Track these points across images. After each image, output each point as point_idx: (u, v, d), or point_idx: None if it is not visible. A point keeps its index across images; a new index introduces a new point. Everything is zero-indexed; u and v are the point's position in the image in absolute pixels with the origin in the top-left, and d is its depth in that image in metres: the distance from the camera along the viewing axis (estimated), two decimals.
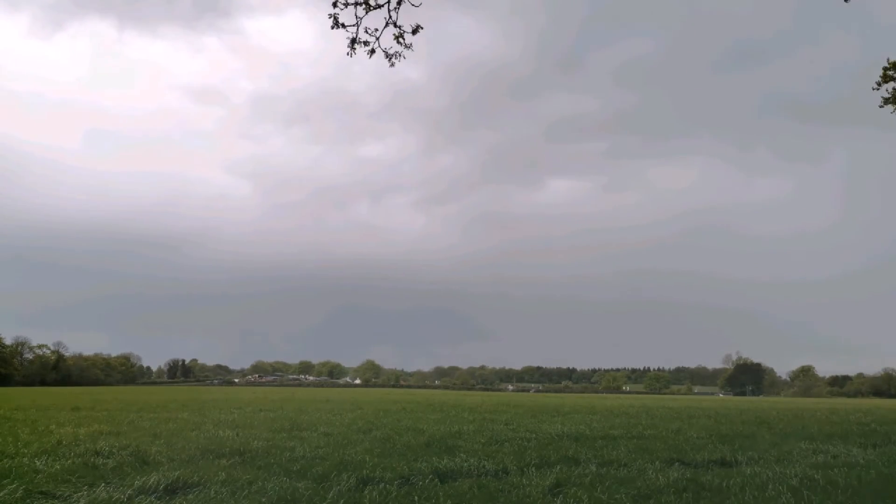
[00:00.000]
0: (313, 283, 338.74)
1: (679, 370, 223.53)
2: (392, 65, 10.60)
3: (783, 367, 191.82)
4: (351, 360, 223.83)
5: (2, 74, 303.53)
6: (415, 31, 10.43)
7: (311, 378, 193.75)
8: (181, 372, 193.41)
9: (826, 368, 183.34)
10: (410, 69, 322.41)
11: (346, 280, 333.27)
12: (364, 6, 10.30)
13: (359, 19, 10.34)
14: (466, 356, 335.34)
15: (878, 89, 19.21)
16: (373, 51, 10.52)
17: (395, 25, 10.43)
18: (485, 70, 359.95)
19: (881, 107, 19.29)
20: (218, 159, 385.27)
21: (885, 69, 18.92)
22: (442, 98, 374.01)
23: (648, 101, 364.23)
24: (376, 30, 10.47)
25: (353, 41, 10.45)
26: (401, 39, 10.49)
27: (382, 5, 10.36)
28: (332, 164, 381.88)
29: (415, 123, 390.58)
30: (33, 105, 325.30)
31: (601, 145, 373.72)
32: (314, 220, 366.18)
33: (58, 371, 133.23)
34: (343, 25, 10.32)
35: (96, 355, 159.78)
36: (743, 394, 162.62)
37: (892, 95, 18.79)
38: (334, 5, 10.13)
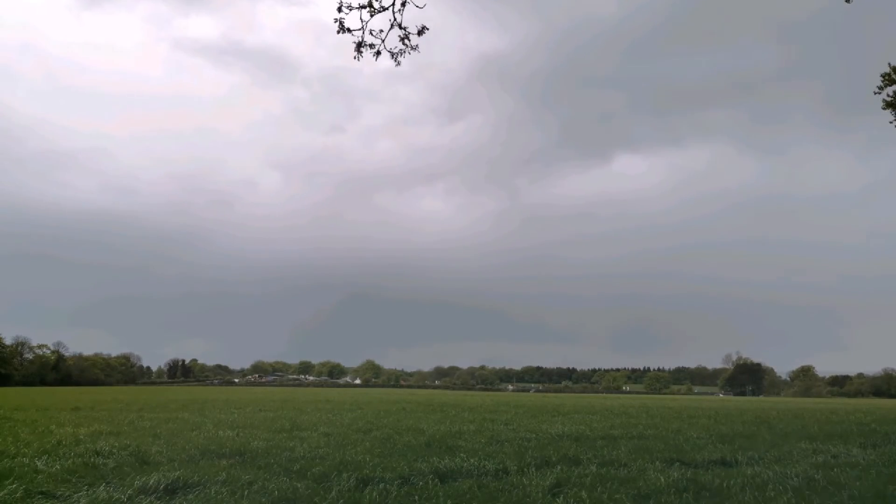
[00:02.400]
0: (318, 281, 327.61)
1: (679, 370, 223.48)
2: (398, 64, 10.61)
3: (783, 367, 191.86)
4: (351, 360, 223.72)
5: (40, 50, 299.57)
6: (420, 32, 10.43)
7: (311, 378, 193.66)
8: (181, 372, 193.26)
9: (826, 368, 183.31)
10: (499, 37, 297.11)
11: (351, 278, 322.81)
12: (369, 9, 10.29)
13: (364, 23, 10.34)
14: (466, 356, 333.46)
15: (879, 93, 19.23)
16: (378, 52, 10.53)
17: (400, 27, 10.43)
18: (595, 31, 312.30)
19: (883, 109, 19.30)
20: (256, 147, 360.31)
21: (885, 74, 18.95)
22: (533, 65, 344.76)
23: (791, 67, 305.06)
24: (381, 31, 10.47)
25: (359, 45, 10.45)
26: (406, 41, 10.48)
27: (387, 8, 10.36)
28: (385, 150, 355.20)
29: (497, 97, 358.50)
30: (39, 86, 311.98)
31: (703, 117, 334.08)
32: (335, 215, 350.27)
33: (58, 371, 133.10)
34: (349, 30, 10.31)
35: (96, 355, 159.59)
36: (743, 394, 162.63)
37: (893, 100, 18.81)
38: (339, 10, 10.12)
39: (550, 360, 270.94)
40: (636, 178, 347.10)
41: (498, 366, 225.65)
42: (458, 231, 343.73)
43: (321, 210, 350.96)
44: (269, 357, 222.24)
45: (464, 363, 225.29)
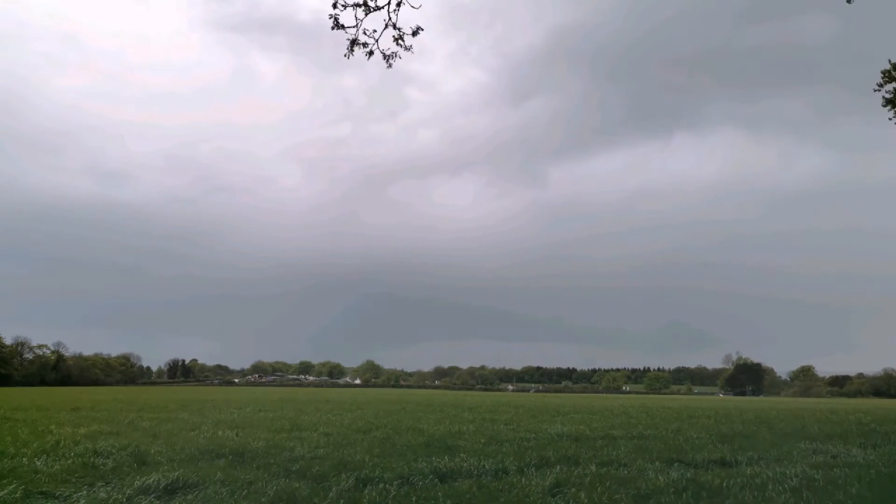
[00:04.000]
0: (321, 280, 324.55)
1: (679, 370, 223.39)
2: (389, 66, 10.60)
3: (783, 367, 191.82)
4: (350, 361, 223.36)
5: (80, 40, 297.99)
6: (415, 33, 10.43)
7: (311, 378, 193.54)
8: (181, 372, 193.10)
9: (826, 368, 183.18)
10: (557, 16, 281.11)
11: (359, 276, 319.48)
12: (364, 7, 10.30)
13: (359, 21, 10.35)
14: (466, 356, 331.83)
15: (879, 90, 19.19)
16: (371, 52, 10.53)
17: (395, 27, 10.43)
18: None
19: (883, 106, 19.27)
20: (283, 139, 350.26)
21: (885, 71, 18.91)
22: (594, 41, 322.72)
23: None
24: (374, 31, 10.47)
25: (353, 42, 10.45)
26: (400, 41, 10.48)
27: (382, 7, 10.36)
28: (424, 140, 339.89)
29: (552, 81, 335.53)
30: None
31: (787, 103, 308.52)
32: (351, 212, 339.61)
33: (58, 371, 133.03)
34: (343, 27, 10.32)
35: (96, 355, 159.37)
36: (743, 394, 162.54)
37: (893, 97, 18.78)
38: (334, 6, 10.14)
39: (550, 360, 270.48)
40: (675, 171, 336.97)
41: (498, 366, 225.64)
42: (478, 229, 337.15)
43: (337, 208, 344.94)
44: (268, 357, 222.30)
45: (464, 363, 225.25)
